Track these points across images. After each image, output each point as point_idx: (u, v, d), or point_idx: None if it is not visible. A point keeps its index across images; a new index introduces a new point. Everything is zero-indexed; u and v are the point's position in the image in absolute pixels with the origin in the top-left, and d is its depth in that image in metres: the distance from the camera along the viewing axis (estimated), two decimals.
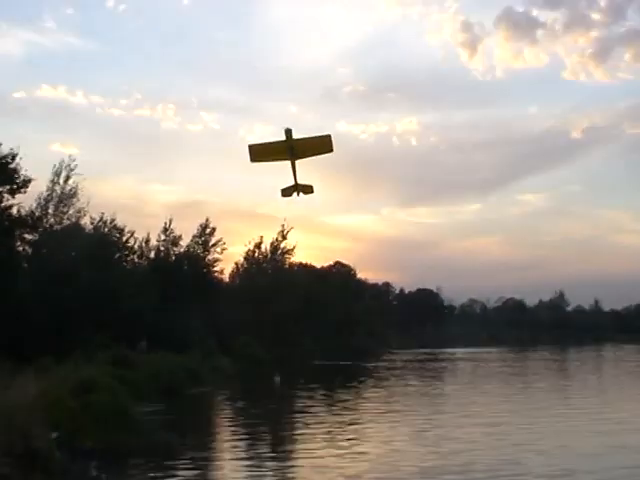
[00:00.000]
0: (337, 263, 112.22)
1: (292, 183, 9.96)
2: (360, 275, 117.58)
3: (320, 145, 9.58)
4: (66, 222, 51.34)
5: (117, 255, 56.60)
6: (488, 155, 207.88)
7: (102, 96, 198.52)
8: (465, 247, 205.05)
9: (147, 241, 67.76)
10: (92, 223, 54.62)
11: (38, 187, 48.60)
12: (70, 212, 51.45)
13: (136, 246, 63.72)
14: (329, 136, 9.81)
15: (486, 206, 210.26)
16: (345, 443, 23.23)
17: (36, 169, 55.14)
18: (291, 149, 9.46)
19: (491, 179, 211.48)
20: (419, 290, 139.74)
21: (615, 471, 18.49)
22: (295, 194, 10.38)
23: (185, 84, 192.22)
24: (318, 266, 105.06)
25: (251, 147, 9.99)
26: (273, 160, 9.70)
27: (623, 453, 21.13)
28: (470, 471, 18.30)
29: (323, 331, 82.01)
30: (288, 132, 9.60)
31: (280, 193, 10.64)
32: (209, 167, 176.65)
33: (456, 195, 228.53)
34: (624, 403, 34.86)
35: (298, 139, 9.54)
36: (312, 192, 10.37)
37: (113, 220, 55.79)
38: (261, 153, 9.72)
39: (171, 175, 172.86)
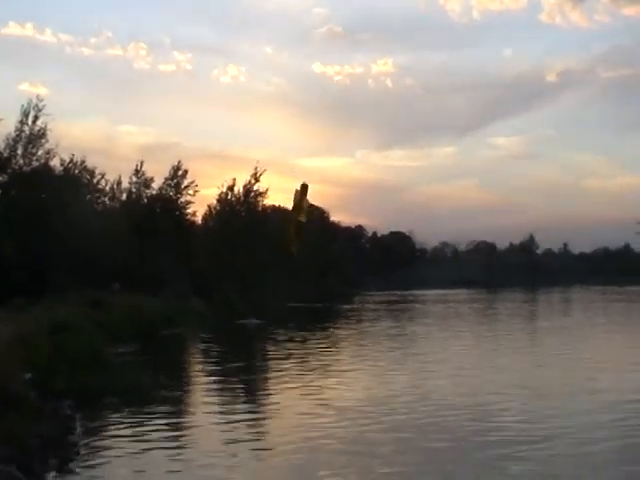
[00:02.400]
0: (311, 206, 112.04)
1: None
2: (333, 218, 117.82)
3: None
4: (35, 164, 50.52)
5: (88, 197, 56.10)
6: (463, 98, 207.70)
7: (71, 34, 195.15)
8: (438, 191, 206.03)
9: (119, 183, 67.11)
10: (62, 165, 53.85)
11: (6, 128, 47.88)
12: (39, 153, 50.58)
13: (107, 188, 63.20)
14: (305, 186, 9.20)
15: (460, 149, 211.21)
16: (318, 383, 23.55)
17: (4, 109, 54.33)
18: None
19: (465, 122, 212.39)
20: (392, 233, 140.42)
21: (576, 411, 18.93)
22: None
23: (157, 23, 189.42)
24: (291, 209, 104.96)
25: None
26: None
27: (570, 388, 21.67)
28: (436, 407, 18.71)
29: (297, 273, 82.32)
30: (303, 188, 8.91)
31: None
32: (182, 108, 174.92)
33: (430, 138, 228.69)
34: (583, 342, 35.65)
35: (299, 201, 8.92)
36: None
37: (83, 162, 55.11)
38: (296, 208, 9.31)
39: (143, 116, 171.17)
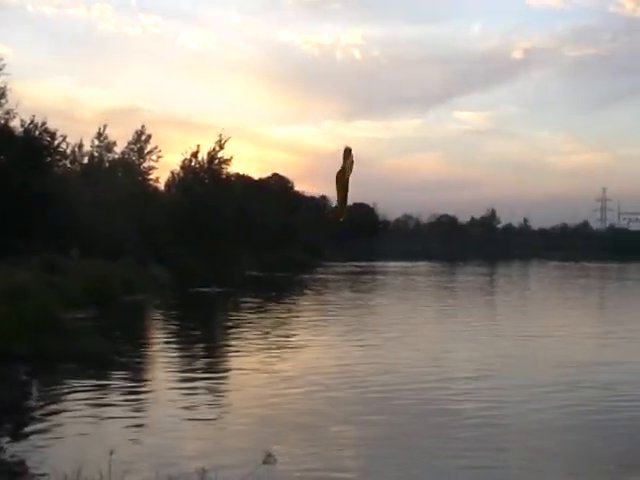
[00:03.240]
0: (275, 175, 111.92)
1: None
2: (298, 188, 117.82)
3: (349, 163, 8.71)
4: None
5: (48, 160, 55.27)
6: (430, 72, 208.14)
7: None
8: (403, 163, 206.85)
9: (80, 146, 66.32)
10: (22, 126, 52.86)
11: None
12: None
13: (68, 151, 62.38)
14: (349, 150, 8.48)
15: (425, 123, 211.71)
16: (276, 353, 23.74)
17: None
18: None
19: (432, 96, 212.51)
20: (355, 204, 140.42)
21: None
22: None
23: None
24: (256, 177, 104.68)
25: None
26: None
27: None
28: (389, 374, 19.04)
29: (259, 242, 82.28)
30: (346, 151, 8.00)
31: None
32: (147, 73, 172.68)
33: (397, 111, 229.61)
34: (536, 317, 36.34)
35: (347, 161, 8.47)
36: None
37: (44, 123, 54.06)
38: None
39: (107, 80, 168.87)
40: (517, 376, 19.90)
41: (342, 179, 7.98)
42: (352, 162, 7.93)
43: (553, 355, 23.48)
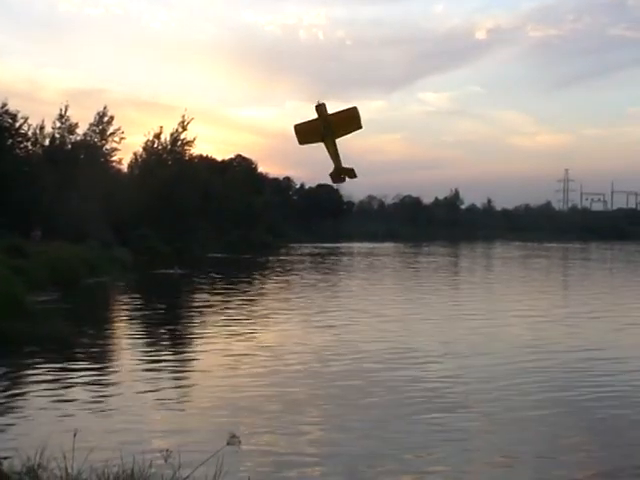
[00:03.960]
0: (238, 156, 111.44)
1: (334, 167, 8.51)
2: (261, 169, 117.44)
3: (352, 120, 8.16)
4: None
5: (9, 141, 54.49)
6: (393, 53, 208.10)
7: None
8: (367, 144, 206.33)
9: (42, 128, 65.49)
10: None
11: None
12: None
13: (30, 133, 61.59)
14: (356, 109, 7.99)
15: (389, 104, 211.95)
16: (240, 334, 23.83)
17: None
18: (326, 128, 7.96)
19: (395, 77, 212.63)
20: (319, 186, 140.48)
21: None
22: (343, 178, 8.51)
23: None
24: (219, 159, 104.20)
25: (295, 128, 8.21)
26: (317, 142, 8.21)
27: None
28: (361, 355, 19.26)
29: (223, 224, 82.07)
30: (320, 108, 7.94)
31: (330, 179, 8.52)
32: (110, 54, 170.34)
33: (360, 92, 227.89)
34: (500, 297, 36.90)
35: (332, 114, 7.98)
36: (355, 176, 8.94)
37: (5, 105, 53.49)
38: (305, 134, 8.28)
39: (69, 61, 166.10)
40: (470, 353, 20.25)
41: (332, 137, 8.10)
42: (336, 117, 7.93)
43: (504, 334, 23.92)
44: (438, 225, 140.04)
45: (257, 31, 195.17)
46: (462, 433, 12.73)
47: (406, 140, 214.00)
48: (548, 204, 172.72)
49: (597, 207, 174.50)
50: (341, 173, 8.45)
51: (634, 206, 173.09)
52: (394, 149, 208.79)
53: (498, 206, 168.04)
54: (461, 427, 13.10)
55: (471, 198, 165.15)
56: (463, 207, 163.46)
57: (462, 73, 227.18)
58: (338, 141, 8.24)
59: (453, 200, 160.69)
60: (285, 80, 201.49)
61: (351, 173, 8.55)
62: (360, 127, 8.24)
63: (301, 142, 8.37)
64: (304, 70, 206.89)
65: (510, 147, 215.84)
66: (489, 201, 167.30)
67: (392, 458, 11.35)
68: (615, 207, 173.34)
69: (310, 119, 8.04)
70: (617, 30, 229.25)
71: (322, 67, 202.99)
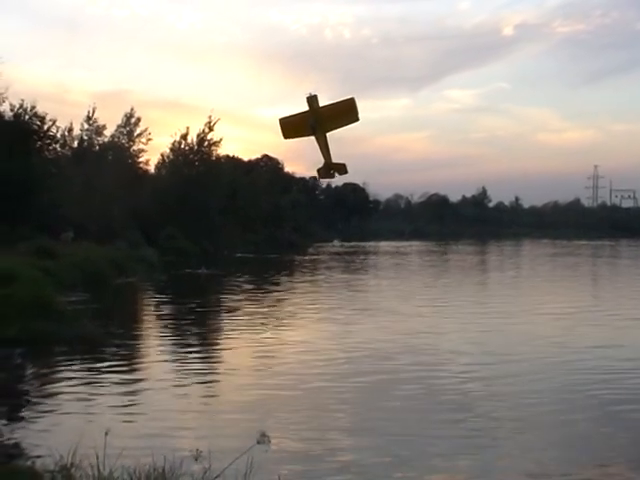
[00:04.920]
0: (264, 156, 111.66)
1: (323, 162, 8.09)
2: (288, 169, 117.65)
3: (346, 113, 7.68)
4: None
5: (38, 144, 55.02)
6: (419, 50, 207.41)
7: None
8: (393, 142, 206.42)
9: (70, 130, 66.07)
10: (12, 110, 52.71)
11: None
12: None
13: (58, 135, 62.09)
14: (353, 100, 7.55)
15: (415, 102, 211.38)
16: (270, 333, 23.86)
17: None
18: (317, 121, 7.56)
19: (421, 74, 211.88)
20: (346, 184, 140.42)
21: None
22: (332, 174, 8.17)
23: None
24: (245, 159, 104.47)
25: (280, 121, 7.87)
26: (305, 135, 7.84)
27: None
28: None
29: (250, 224, 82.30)
30: (311, 100, 7.54)
31: (317, 175, 8.26)
32: (136, 55, 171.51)
33: (386, 90, 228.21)
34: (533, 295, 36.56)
35: (324, 107, 7.57)
36: (346, 172, 8.55)
37: (34, 107, 53.86)
38: (290, 128, 7.94)
39: (96, 63, 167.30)
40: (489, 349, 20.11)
41: (323, 131, 7.77)
42: (328, 112, 7.51)
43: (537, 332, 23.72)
44: (465, 223, 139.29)
45: (283, 31, 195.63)
46: (490, 439, 12.64)
47: (432, 138, 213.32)
48: (577, 201, 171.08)
49: (627, 204, 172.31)
50: (331, 169, 8.12)
51: None
52: (420, 147, 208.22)
53: (526, 204, 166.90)
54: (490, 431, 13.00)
55: (499, 196, 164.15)
56: (490, 205, 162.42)
57: (489, 70, 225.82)
58: (334, 136, 7.90)
59: (480, 198, 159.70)
60: (311, 79, 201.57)
61: (342, 169, 8.21)
62: (357, 119, 7.83)
63: (286, 136, 8.08)
64: (330, 69, 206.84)
65: (538, 144, 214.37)
66: (517, 199, 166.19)
67: (419, 459, 11.29)
68: None
69: (298, 112, 7.75)
70: None
71: (348, 65, 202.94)
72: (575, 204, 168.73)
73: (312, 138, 8.00)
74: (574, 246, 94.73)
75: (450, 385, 16.12)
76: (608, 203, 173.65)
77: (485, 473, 10.70)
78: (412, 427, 12.96)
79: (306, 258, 68.62)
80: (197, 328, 25.90)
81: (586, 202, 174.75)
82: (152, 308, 32.61)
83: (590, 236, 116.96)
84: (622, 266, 61.96)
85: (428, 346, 21.07)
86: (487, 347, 21.00)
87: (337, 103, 7.65)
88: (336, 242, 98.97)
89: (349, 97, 7.61)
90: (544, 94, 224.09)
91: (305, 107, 7.70)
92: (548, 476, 10.61)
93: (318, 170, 8.11)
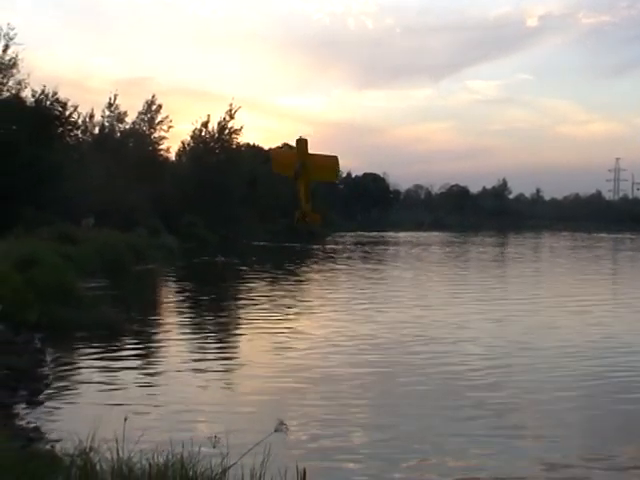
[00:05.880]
0: (285, 145, 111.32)
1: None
2: None
3: (330, 170, 7.47)
4: (6, 94, 49.72)
5: (60, 130, 55.33)
6: (442, 40, 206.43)
7: None
8: (414, 133, 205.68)
9: (91, 116, 66.49)
10: (33, 96, 53.06)
11: None
12: (10, 84, 49.82)
13: (80, 121, 62.45)
14: (337, 159, 7.27)
15: (437, 92, 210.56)
16: (286, 320, 23.89)
17: None
18: (302, 167, 7.18)
19: (444, 65, 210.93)
20: (365, 174, 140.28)
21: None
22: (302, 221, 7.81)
23: None
24: (266, 147, 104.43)
25: (272, 153, 7.82)
26: (289, 176, 7.43)
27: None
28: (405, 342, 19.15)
29: (269, 212, 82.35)
30: (300, 142, 7.16)
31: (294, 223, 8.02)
32: (158, 42, 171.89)
33: (408, 80, 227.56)
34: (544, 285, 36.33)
35: (312, 155, 7.23)
36: (319, 223, 8.46)
37: (55, 93, 54.17)
38: (280, 163, 7.81)
39: (118, 49, 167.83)
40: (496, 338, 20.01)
41: (305, 178, 7.24)
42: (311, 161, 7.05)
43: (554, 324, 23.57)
44: (485, 215, 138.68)
45: (305, 19, 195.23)
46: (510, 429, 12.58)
47: (454, 129, 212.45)
48: (598, 194, 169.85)
49: None
50: (306, 217, 7.75)
51: None
52: (441, 138, 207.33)
53: (547, 196, 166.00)
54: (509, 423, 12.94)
55: (519, 188, 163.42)
56: (511, 197, 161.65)
57: (512, 61, 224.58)
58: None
59: (501, 189, 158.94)
60: (333, 69, 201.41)
61: (316, 220, 7.92)
62: (334, 180, 7.86)
63: (274, 169, 7.92)
64: (352, 58, 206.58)
65: (560, 136, 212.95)
66: (538, 191, 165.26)
67: (436, 451, 11.25)
68: None
69: (288, 150, 7.61)
70: None
71: (370, 55, 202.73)
72: (596, 197, 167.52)
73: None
74: (594, 239, 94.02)
75: (468, 374, 16.06)
76: (630, 196, 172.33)
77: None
78: (430, 416, 12.92)
79: (325, 247, 68.59)
80: (215, 315, 25.95)
81: (607, 195, 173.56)
82: (171, 295, 32.75)
83: (610, 229, 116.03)
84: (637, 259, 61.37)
85: (445, 336, 20.99)
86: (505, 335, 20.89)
87: (325, 156, 7.34)
88: (349, 236, 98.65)
89: (334, 155, 7.31)
90: (567, 86, 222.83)
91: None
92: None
93: (295, 216, 7.80)
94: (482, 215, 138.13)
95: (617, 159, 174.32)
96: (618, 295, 34.05)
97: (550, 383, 15.58)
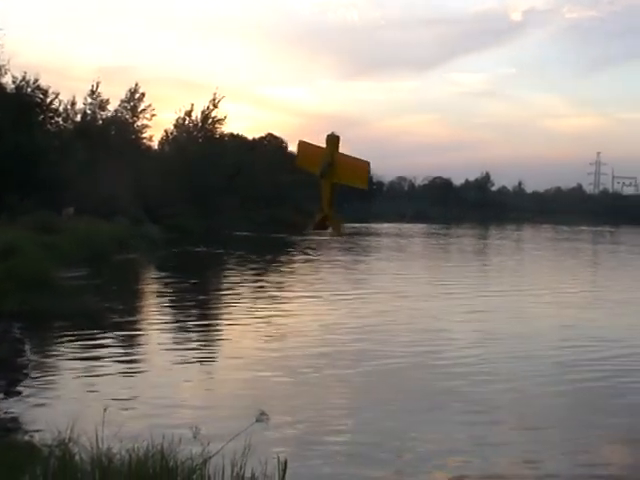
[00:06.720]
0: (269, 135, 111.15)
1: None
2: (292, 148, 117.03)
3: (360, 175, 6.71)
4: None
5: (41, 117, 54.84)
6: (428, 33, 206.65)
7: None
8: (398, 125, 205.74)
9: (73, 104, 65.92)
10: (14, 82, 52.52)
11: None
12: None
13: (61, 109, 61.97)
14: (367, 164, 6.54)
15: (422, 84, 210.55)
16: (268, 311, 23.83)
17: None
18: (330, 165, 6.52)
19: (429, 57, 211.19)
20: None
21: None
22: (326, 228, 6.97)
23: None
24: (250, 137, 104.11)
25: (299, 145, 6.99)
26: (314, 173, 6.71)
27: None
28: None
29: (252, 202, 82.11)
30: (332, 139, 6.54)
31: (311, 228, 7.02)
32: (141, 30, 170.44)
33: (393, 72, 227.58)
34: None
35: (342, 155, 6.59)
36: (340, 235, 7.29)
37: (37, 80, 53.63)
38: (306, 157, 6.96)
39: (100, 37, 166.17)
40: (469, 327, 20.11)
41: (331, 179, 6.54)
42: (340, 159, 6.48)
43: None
44: (468, 207, 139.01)
45: (292, 9, 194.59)
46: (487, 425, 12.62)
47: (438, 121, 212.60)
48: (579, 187, 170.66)
49: (628, 191, 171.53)
50: (326, 222, 6.85)
51: None
52: (425, 130, 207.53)
53: (529, 189, 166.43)
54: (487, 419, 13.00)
55: (502, 180, 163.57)
56: (493, 189, 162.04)
57: (496, 54, 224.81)
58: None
59: (484, 182, 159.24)
60: (319, 59, 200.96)
61: (338, 228, 7.05)
62: (364, 187, 6.79)
63: (299, 163, 7.16)
64: (337, 50, 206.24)
65: (543, 129, 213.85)
66: (520, 184, 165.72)
67: (424, 442, 11.28)
68: None
69: (318, 145, 6.75)
70: None
71: (355, 47, 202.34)
72: (577, 190, 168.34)
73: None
74: (574, 232, 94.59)
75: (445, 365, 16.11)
76: (610, 190, 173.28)
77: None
78: (411, 409, 12.94)
79: (308, 238, 68.49)
80: (196, 305, 25.86)
81: (588, 189, 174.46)
82: (152, 285, 32.61)
83: (591, 222, 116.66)
84: (618, 252, 61.72)
85: (424, 327, 21.05)
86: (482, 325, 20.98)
87: (356, 159, 6.63)
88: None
89: (366, 160, 6.55)
90: (551, 80, 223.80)
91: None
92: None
93: (314, 223, 6.89)
94: (465, 207, 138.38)
95: (598, 153, 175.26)
96: (597, 287, 34.28)
97: (529, 373, 15.67)
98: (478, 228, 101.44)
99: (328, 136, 6.58)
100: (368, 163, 6.55)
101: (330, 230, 6.92)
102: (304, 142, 7.13)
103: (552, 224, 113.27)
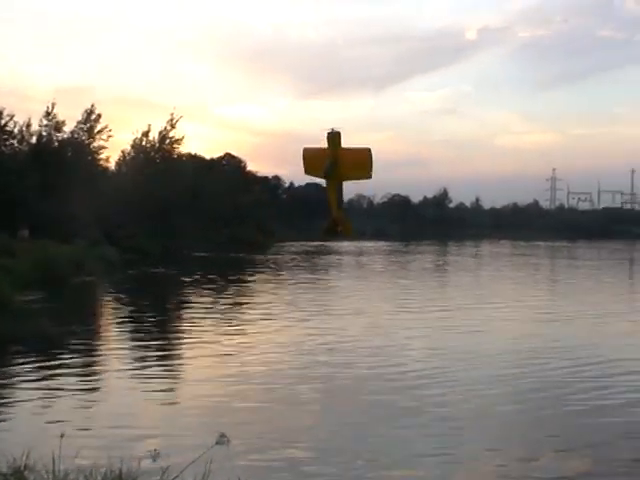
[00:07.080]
0: (227, 155, 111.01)
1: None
2: (250, 168, 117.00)
3: (360, 165, 6.44)
4: None
5: None
6: (383, 51, 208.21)
7: None
8: (356, 142, 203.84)
9: (28, 125, 65.00)
10: None
11: None
12: None
13: (16, 130, 61.15)
14: (368, 151, 6.32)
15: (378, 102, 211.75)
16: (228, 333, 23.72)
17: None
18: (334, 164, 6.28)
19: (385, 76, 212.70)
20: (308, 184, 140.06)
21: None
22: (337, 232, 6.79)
23: None
24: (208, 157, 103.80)
25: (304, 152, 6.66)
26: (320, 176, 6.57)
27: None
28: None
29: (211, 223, 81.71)
30: (333, 136, 6.34)
31: (321, 234, 6.86)
32: (98, 51, 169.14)
33: (350, 90, 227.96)
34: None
35: (345, 150, 6.36)
36: (351, 235, 6.88)
37: None
38: (311, 161, 6.66)
39: (56, 57, 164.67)
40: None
41: (336, 178, 6.40)
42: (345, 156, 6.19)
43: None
44: (427, 223, 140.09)
45: (247, 29, 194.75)
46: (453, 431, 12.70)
47: (395, 138, 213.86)
48: (536, 203, 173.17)
49: (584, 206, 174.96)
50: (337, 227, 6.74)
51: (620, 205, 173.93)
52: (383, 148, 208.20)
53: (486, 205, 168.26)
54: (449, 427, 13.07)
55: (460, 197, 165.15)
56: (451, 205, 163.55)
57: (452, 72, 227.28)
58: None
59: (442, 199, 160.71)
60: (275, 78, 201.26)
61: (349, 230, 6.92)
62: (368, 177, 6.55)
63: (306, 171, 6.90)
64: (294, 68, 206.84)
65: (499, 146, 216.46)
66: (477, 200, 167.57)
67: (385, 459, 11.29)
68: (601, 206, 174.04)
69: (320, 147, 6.53)
70: (605, 31, 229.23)
71: (312, 65, 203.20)
72: (534, 206, 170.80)
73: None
74: (531, 247, 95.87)
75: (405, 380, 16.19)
76: (566, 205, 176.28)
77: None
78: (378, 426, 12.97)
79: (267, 257, 68.39)
80: (155, 328, 25.64)
81: (544, 204, 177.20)
82: (110, 307, 32.24)
83: (548, 238, 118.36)
84: (573, 266, 62.71)
85: (387, 344, 21.13)
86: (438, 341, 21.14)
87: (356, 150, 6.50)
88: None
89: (366, 147, 6.39)
90: (505, 97, 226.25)
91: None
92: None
93: (325, 227, 6.79)
94: (424, 224, 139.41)
95: (554, 169, 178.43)
96: (554, 301, 34.76)
97: (488, 384, 15.82)
98: (437, 245, 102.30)
99: (328, 134, 6.45)
100: (369, 149, 6.42)
101: (340, 233, 6.75)
102: (308, 148, 6.93)
103: (510, 240, 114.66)
